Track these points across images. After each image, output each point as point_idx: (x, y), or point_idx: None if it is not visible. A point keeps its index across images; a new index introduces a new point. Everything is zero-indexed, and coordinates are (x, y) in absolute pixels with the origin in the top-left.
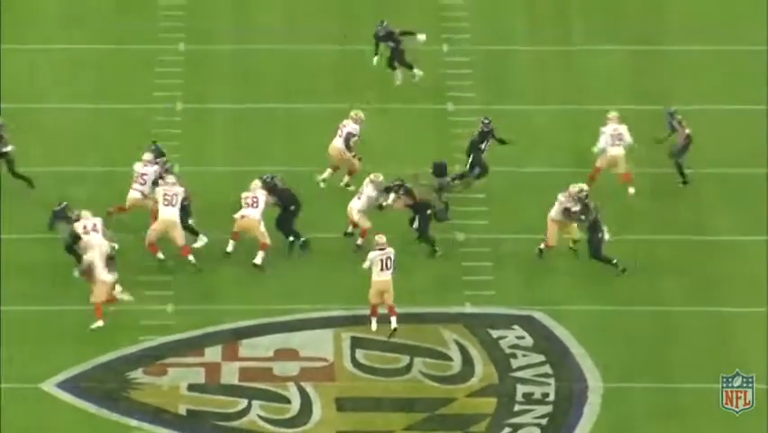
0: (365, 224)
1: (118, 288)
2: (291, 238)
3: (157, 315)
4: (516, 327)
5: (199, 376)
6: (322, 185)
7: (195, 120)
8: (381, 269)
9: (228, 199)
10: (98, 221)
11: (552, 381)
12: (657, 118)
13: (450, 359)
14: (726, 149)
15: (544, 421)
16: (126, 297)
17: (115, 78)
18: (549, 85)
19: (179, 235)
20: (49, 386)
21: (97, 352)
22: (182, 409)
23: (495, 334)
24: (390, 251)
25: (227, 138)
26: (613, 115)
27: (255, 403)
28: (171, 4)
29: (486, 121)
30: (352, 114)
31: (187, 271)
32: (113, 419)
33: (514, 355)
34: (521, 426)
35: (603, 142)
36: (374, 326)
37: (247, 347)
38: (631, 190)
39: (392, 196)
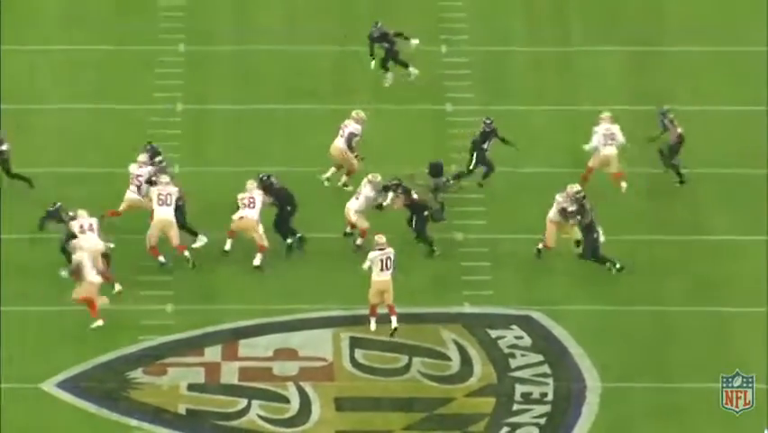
0: (363, 224)
1: (117, 286)
2: (289, 241)
3: (157, 315)
4: (514, 326)
5: (199, 376)
6: (326, 183)
7: (195, 120)
8: (381, 269)
9: (228, 200)
10: (94, 221)
11: (550, 380)
12: (655, 119)
13: (448, 359)
14: (725, 149)
15: (542, 421)
16: (102, 301)
17: (116, 78)
18: (547, 85)
19: (175, 235)
20: (49, 386)
21: (97, 352)
22: (182, 409)
23: (493, 334)
24: (390, 251)
25: (227, 139)
26: (606, 114)
27: (255, 403)
28: (171, 5)
29: (488, 121)
30: (354, 114)
31: (186, 271)
32: (113, 418)
33: (512, 355)
34: (519, 425)
35: (595, 141)
36: (373, 326)
37: (246, 347)
38: (623, 185)
39: (390, 195)
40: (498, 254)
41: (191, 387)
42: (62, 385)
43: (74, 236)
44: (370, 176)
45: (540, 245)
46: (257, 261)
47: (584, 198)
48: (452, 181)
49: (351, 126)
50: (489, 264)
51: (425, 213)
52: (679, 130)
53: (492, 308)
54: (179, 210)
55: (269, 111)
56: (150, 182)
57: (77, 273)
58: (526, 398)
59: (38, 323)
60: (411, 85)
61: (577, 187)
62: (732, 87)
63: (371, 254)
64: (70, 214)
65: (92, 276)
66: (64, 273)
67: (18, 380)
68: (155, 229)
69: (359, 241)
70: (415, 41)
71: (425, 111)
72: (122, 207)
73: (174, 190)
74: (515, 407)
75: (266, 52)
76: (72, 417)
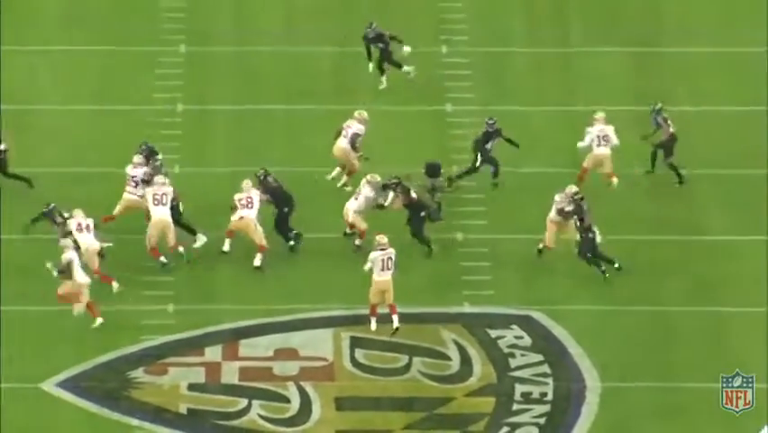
0: (361, 225)
1: (115, 284)
2: (292, 243)
3: (157, 315)
4: (514, 326)
5: (200, 376)
6: (330, 180)
7: (195, 121)
8: (382, 269)
9: (228, 200)
10: (90, 221)
11: (550, 380)
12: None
13: (448, 359)
14: (725, 150)
15: (542, 421)
16: (78, 309)
17: (116, 79)
18: (547, 86)
19: (173, 236)
20: (49, 386)
21: (98, 351)
22: (183, 409)
23: (493, 333)
24: (391, 251)
25: (227, 139)
26: (600, 115)
27: (255, 403)
28: (172, 5)
29: (491, 121)
30: (356, 114)
31: (187, 271)
32: (113, 418)
33: (512, 355)
34: (519, 425)
35: (587, 141)
36: (373, 325)
37: (247, 347)
38: (614, 180)
39: (391, 195)
40: (498, 254)
41: (192, 387)
42: (63, 385)
43: (67, 235)
44: (368, 176)
45: (540, 245)
46: (257, 261)
47: (582, 199)
48: (450, 182)
49: (354, 127)
50: (489, 264)
51: (422, 213)
52: (671, 129)
53: (492, 307)
54: (174, 210)
55: (269, 111)
56: (146, 183)
57: (66, 272)
58: (526, 397)
59: (38, 323)
60: (411, 85)
61: (575, 188)
62: (731, 88)
63: (373, 254)
64: (65, 215)
65: (81, 276)
66: (54, 273)
67: (19, 379)
68: (154, 230)
69: (358, 241)
70: (407, 48)
71: (426, 111)
72: (117, 209)
73: (169, 190)
74: (514, 406)
75: (266, 53)
76: (73, 416)
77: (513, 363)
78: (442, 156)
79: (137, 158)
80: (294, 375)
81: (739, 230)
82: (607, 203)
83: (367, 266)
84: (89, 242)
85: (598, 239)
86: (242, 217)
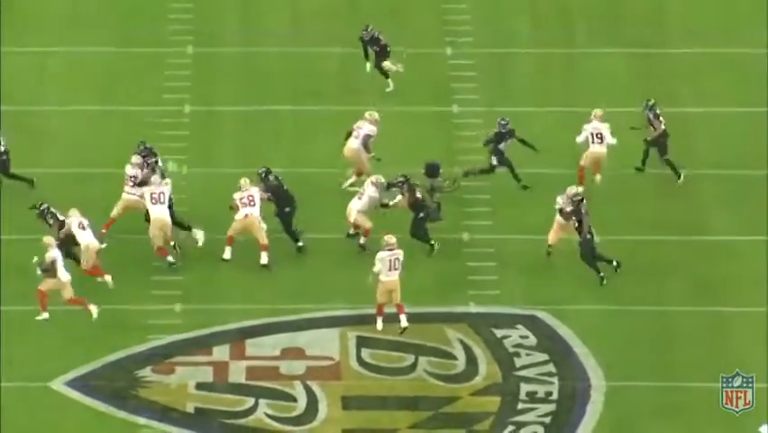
0: (366, 223)
1: (107, 277)
2: (300, 244)
3: (165, 314)
4: (519, 326)
5: (207, 375)
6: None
7: (203, 122)
8: (390, 269)
9: None
10: (86, 221)
11: (555, 379)
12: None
13: (454, 358)
14: (727, 150)
15: (547, 420)
16: (43, 316)
17: (124, 80)
18: (552, 87)
19: (171, 235)
20: (58, 384)
21: (106, 351)
22: (190, 408)
23: (499, 333)
24: (399, 252)
25: (235, 140)
26: (598, 112)
27: (262, 401)
28: (179, 6)
29: (503, 122)
30: (367, 114)
31: (194, 271)
32: (121, 416)
33: (517, 354)
34: (524, 424)
35: (582, 137)
36: (380, 325)
37: (254, 346)
38: (598, 177)
39: (398, 197)
40: (504, 255)
41: (199, 386)
42: (71, 384)
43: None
44: (373, 177)
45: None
46: (263, 259)
47: (581, 200)
48: (465, 175)
49: (365, 128)
50: (494, 264)
51: (421, 214)
52: (663, 127)
53: (498, 307)
54: (170, 209)
55: (277, 112)
56: (143, 183)
57: (50, 270)
58: (531, 397)
59: (47, 322)
60: (417, 87)
61: (575, 189)
62: (734, 89)
63: (380, 254)
64: (60, 217)
65: (63, 274)
66: (38, 271)
67: (27, 378)
68: (156, 230)
69: (362, 240)
70: (400, 68)
71: (431, 113)
72: (115, 210)
73: (167, 189)
74: (520, 406)
75: (273, 54)
76: (81, 415)
77: (518, 362)
78: (447, 157)
79: (135, 158)
80: (300, 374)
81: (740, 230)
82: (608, 203)
83: (376, 267)
84: (89, 240)
85: (596, 239)
86: (246, 216)
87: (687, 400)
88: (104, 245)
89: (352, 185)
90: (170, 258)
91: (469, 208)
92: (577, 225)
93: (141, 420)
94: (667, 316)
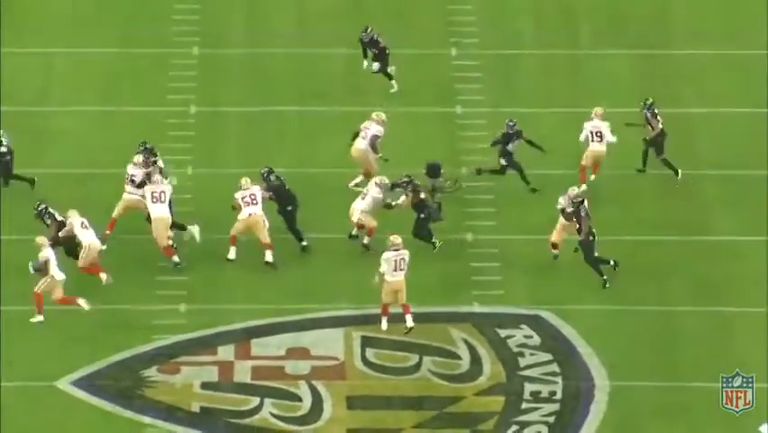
0: (371, 223)
1: (103, 275)
2: (304, 243)
3: (170, 314)
4: (523, 326)
5: (212, 374)
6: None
7: (208, 123)
8: (395, 269)
9: None
10: (86, 221)
11: (559, 379)
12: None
13: (458, 358)
14: (729, 151)
15: (551, 419)
16: (38, 318)
17: (130, 81)
18: (556, 88)
19: (170, 234)
20: (64, 384)
21: (112, 350)
22: (195, 407)
23: (503, 333)
24: (405, 252)
25: (240, 140)
26: (599, 110)
27: (267, 401)
28: (185, 7)
29: (511, 123)
30: (374, 115)
31: (199, 271)
32: (127, 416)
33: (521, 354)
34: (528, 424)
35: (582, 136)
36: (384, 325)
37: (259, 346)
38: (592, 177)
39: (403, 197)
40: (508, 255)
41: (204, 385)
42: (77, 383)
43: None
44: (377, 179)
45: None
46: (268, 257)
47: (582, 202)
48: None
49: (372, 128)
50: (498, 265)
51: (422, 214)
52: (660, 126)
53: (502, 307)
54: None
55: (282, 113)
56: (143, 184)
57: (42, 270)
58: (535, 396)
59: (53, 322)
60: (421, 87)
61: (576, 190)
62: (737, 90)
63: (386, 255)
64: (59, 218)
65: (57, 273)
66: (31, 270)
67: (34, 378)
68: (158, 229)
69: (366, 240)
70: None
71: (435, 113)
72: (116, 211)
73: (168, 189)
74: (524, 405)
75: (278, 55)
76: (87, 414)
77: (522, 362)
78: (451, 158)
79: (137, 157)
80: (305, 374)
81: (742, 230)
82: (609, 203)
83: (382, 267)
84: (92, 239)
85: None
86: (250, 214)
87: (688, 399)
88: (104, 247)
89: (357, 185)
90: (176, 258)
91: (472, 209)
92: (577, 226)
93: (147, 420)
94: (669, 316)
